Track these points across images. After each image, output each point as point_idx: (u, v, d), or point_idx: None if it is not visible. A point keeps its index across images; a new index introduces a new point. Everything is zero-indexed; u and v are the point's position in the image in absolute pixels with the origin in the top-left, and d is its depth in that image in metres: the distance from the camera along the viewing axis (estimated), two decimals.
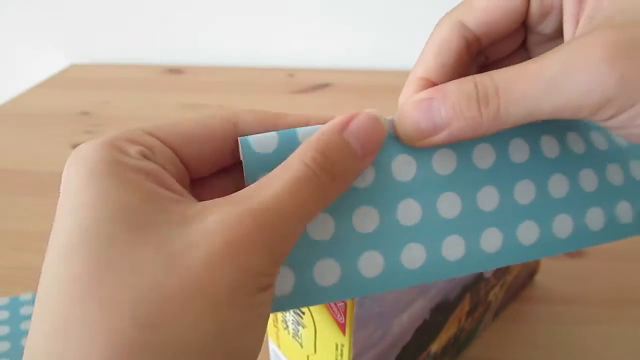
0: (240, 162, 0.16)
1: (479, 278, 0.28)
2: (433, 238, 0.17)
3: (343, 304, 0.19)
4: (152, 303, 0.12)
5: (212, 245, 0.13)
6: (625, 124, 0.15)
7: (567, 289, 0.37)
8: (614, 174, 0.19)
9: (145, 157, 0.15)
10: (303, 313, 0.22)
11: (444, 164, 0.17)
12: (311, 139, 0.15)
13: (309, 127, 0.16)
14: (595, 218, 0.18)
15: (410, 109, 0.16)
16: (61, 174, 0.16)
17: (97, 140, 0.15)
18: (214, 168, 0.18)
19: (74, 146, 0.60)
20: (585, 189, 0.18)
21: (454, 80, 0.17)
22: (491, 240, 0.17)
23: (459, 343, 0.31)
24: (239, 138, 0.16)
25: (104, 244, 0.13)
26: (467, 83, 0.16)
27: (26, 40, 0.90)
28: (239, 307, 0.13)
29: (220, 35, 0.84)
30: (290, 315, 0.23)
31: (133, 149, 0.15)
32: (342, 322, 0.20)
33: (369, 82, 0.76)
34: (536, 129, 0.18)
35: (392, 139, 0.17)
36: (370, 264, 0.16)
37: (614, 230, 0.19)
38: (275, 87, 0.76)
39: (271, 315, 0.23)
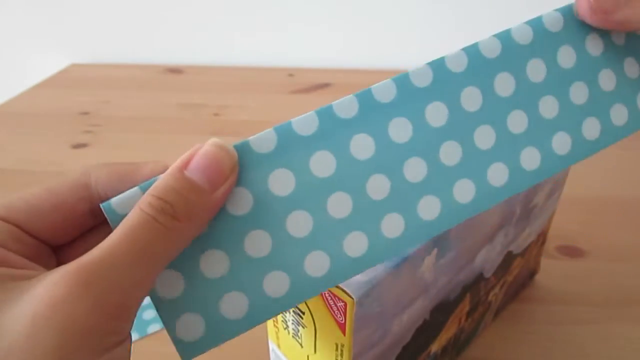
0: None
1: (479, 278, 0.28)
2: (333, 241, 0.17)
3: (343, 303, 0.19)
4: None
5: (36, 312, 0.12)
6: None
7: (567, 289, 0.37)
8: (607, 79, 0.20)
9: None
10: (303, 313, 0.22)
11: (322, 166, 0.17)
12: (152, 185, 0.15)
13: None
14: (591, 127, 0.19)
15: None
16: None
17: None
18: (76, 232, 0.17)
19: (74, 146, 0.60)
20: (576, 103, 0.19)
21: None
22: (429, 209, 0.17)
23: (459, 343, 0.31)
24: (101, 205, 0.15)
25: None
26: None
27: (26, 40, 0.90)
28: None
29: (220, 35, 0.84)
30: (290, 315, 0.23)
31: None
32: (342, 322, 0.20)
33: (369, 82, 0.76)
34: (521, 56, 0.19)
35: (263, 157, 0.16)
36: (275, 283, 0.16)
37: (611, 134, 0.20)
38: (275, 87, 0.76)
39: None
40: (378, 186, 0.17)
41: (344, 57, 0.84)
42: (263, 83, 0.78)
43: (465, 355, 0.32)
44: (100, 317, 0.13)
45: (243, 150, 0.16)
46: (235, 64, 0.86)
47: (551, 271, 0.39)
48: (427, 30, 0.79)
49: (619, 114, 0.20)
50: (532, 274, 0.37)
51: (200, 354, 0.15)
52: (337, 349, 0.21)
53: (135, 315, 0.14)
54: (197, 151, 0.16)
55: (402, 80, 0.17)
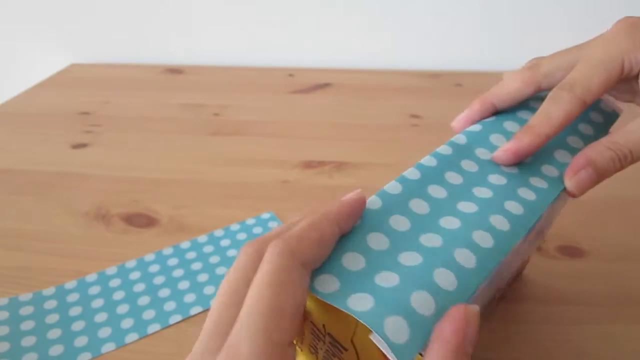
0: None
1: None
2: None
3: None
4: None
5: None
6: None
7: (567, 289, 0.37)
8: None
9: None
10: (345, 349, 0.21)
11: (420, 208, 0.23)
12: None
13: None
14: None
15: (583, 179, 0.24)
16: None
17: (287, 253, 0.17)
18: None
19: (74, 146, 0.60)
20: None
21: (591, 149, 0.24)
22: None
23: None
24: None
25: None
26: (608, 151, 0.23)
27: (26, 40, 0.90)
28: None
29: (220, 35, 0.85)
30: (324, 345, 0.22)
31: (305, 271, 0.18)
32: None
33: (369, 82, 0.77)
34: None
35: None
36: (445, 278, 0.20)
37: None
38: (275, 87, 0.76)
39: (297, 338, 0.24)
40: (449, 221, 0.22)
41: (344, 57, 0.84)
42: (263, 83, 0.78)
43: None
44: None
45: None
46: (235, 64, 0.86)
47: (551, 271, 0.39)
48: (427, 30, 0.79)
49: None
50: (519, 272, 0.37)
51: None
52: None
53: None
54: (467, 324, 0.17)
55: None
